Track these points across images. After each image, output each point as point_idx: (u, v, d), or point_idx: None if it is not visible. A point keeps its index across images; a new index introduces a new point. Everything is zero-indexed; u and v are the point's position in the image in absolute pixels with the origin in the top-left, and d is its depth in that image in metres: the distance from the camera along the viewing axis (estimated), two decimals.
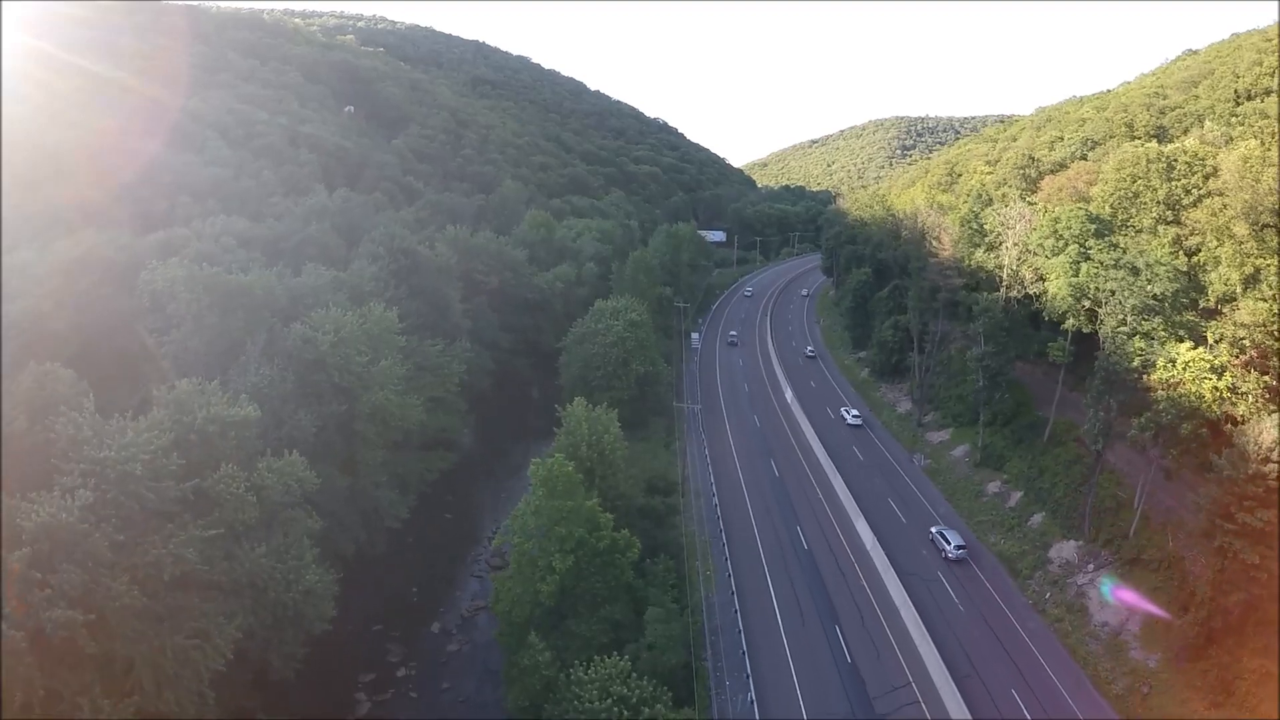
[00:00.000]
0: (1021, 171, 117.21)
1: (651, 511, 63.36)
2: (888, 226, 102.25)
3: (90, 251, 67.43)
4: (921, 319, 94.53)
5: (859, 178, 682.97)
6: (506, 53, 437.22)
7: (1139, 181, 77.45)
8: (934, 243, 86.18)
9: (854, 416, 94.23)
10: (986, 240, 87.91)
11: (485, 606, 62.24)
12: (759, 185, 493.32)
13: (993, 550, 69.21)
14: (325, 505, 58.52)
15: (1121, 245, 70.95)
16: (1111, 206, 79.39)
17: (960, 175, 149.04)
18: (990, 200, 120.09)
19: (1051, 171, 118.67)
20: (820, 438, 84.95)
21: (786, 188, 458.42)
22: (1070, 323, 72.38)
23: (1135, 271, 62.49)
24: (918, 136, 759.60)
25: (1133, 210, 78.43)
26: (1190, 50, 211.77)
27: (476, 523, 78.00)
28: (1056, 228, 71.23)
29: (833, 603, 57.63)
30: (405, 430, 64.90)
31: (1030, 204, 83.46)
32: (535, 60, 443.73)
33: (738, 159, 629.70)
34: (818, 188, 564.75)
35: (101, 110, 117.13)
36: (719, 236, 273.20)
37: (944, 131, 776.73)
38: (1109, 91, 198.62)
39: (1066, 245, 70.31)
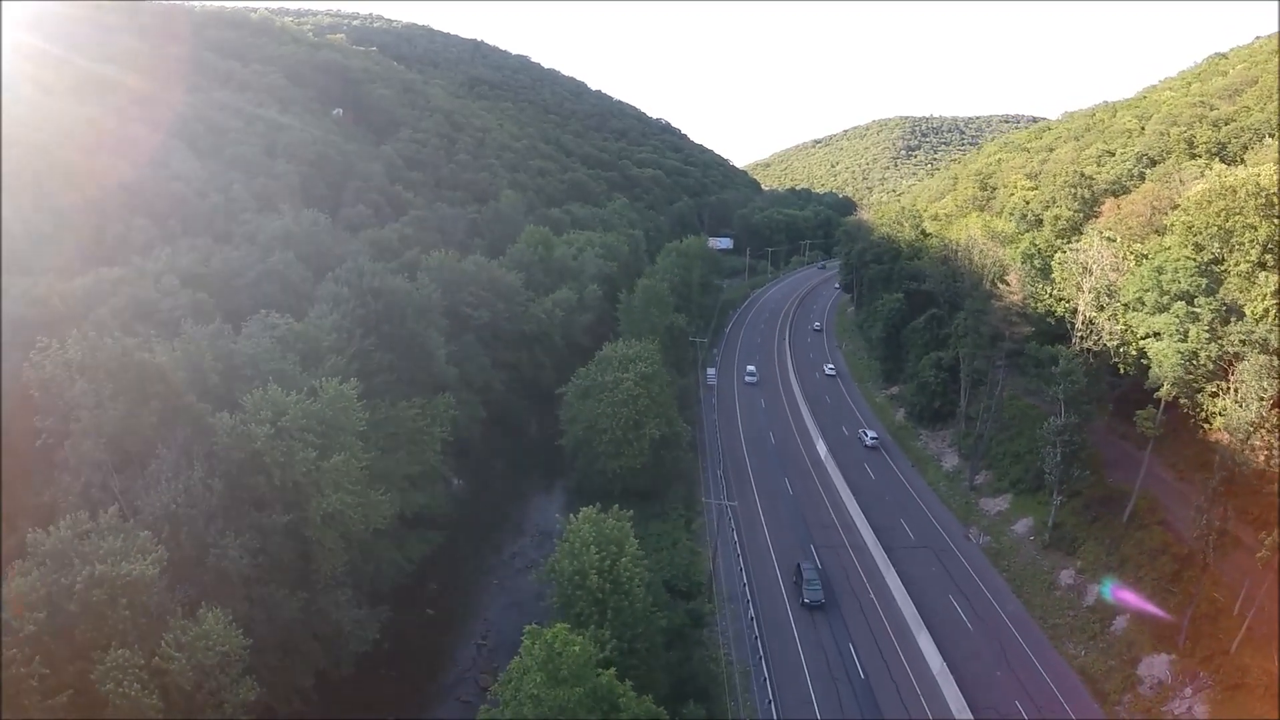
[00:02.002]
0: (1073, 190, 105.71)
1: (677, 634, 51.61)
2: (936, 254, 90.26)
3: None
4: (972, 363, 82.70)
5: (864, 179, 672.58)
6: (505, 52, 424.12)
7: (1235, 218, 65.85)
8: (999, 283, 74.20)
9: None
10: (1051, 278, 76.27)
11: None
12: (763, 187, 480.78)
13: (1074, 666, 57.77)
14: (273, 637, 46.82)
15: (1239, 306, 59.22)
16: (1196, 245, 67.85)
17: (996, 189, 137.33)
18: (1039, 221, 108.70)
19: (1109, 192, 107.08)
20: (865, 513, 73.08)
21: (793, 190, 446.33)
22: (1166, 390, 60.82)
23: (1266, 348, 50.74)
24: (922, 137, 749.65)
25: (1224, 250, 66.96)
26: (1219, 54, 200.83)
27: (464, 619, 66.00)
28: (1161, 280, 59.31)
29: None
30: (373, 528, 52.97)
31: (1108, 239, 71.64)
32: (535, 60, 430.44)
33: (740, 159, 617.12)
34: (822, 188, 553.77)
35: (48, 123, 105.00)
36: (726, 243, 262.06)
37: (948, 132, 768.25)
38: (1144, 98, 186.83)
39: (1173, 301, 58.47)
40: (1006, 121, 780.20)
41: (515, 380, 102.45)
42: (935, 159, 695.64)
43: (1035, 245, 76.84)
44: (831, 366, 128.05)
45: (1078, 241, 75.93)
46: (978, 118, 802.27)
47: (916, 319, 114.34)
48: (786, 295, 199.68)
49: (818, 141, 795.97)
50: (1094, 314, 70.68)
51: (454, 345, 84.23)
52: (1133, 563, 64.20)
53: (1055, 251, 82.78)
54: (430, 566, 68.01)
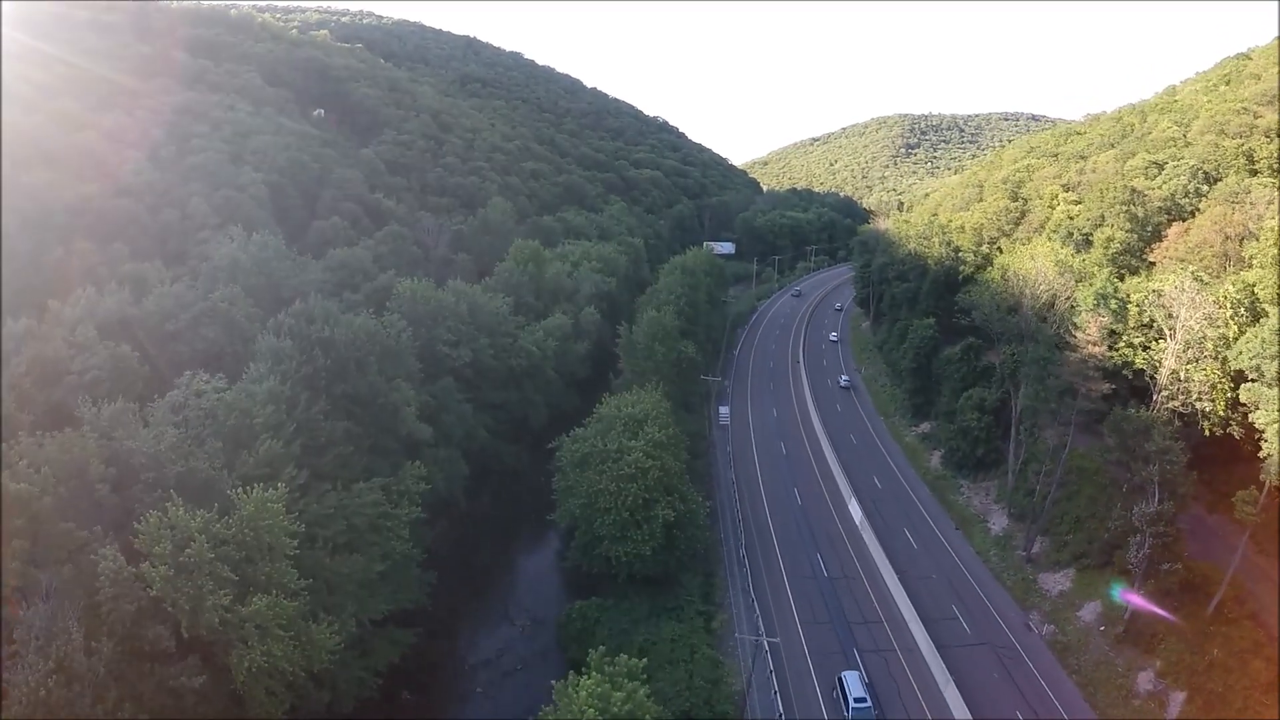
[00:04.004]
0: (1125, 208, 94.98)
1: None
2: (994, 286, 79.30)
3: None
4: (1033, 418, 71.73)
5: (863, 177, 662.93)
6: (499, 49, 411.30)
7: None
8: (1074, 331, 62.96)
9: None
10: (1127, 321, 65.22)
11: None
12: (763, 187, 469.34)
13: None
14: None
15: None
16: None
17: (1029, 200, 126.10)
18: (1086, 240, 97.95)
19: (1164, 210, 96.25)
20: (913, 601, 61.72)
21: (794, 190, 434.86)
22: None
23: None
24: (921, 135, 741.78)
25: None
26: (1243, 55, 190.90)
27: None
28: None
29: None
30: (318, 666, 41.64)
31: (1199, 280, 60.75)
32: (529, 57, 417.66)
33: (738, 158, 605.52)
34: (822, 187, 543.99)
35: None
36: (728, 248, 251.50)
37: (948, 129, 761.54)
38: (1173, 101, 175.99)
39: None
40: (1006, 119, 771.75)
41: (503, 420, 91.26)
42: (935, 157, 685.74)
43: (1111, 284, 65.74)
44: (846, 379, 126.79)
45: (1159, 279, 65.07)
46: (977, 115, 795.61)
47: (948, 346, 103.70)
48: (796, 308, 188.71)
49: (815, 139, 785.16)
50: (1182, 368, 59.80)
51: (428, 393, 72.84)
52: (1221, 666, 53.99)
53: (1114, 283, 71.88)
54: (402, 670, 56.72)
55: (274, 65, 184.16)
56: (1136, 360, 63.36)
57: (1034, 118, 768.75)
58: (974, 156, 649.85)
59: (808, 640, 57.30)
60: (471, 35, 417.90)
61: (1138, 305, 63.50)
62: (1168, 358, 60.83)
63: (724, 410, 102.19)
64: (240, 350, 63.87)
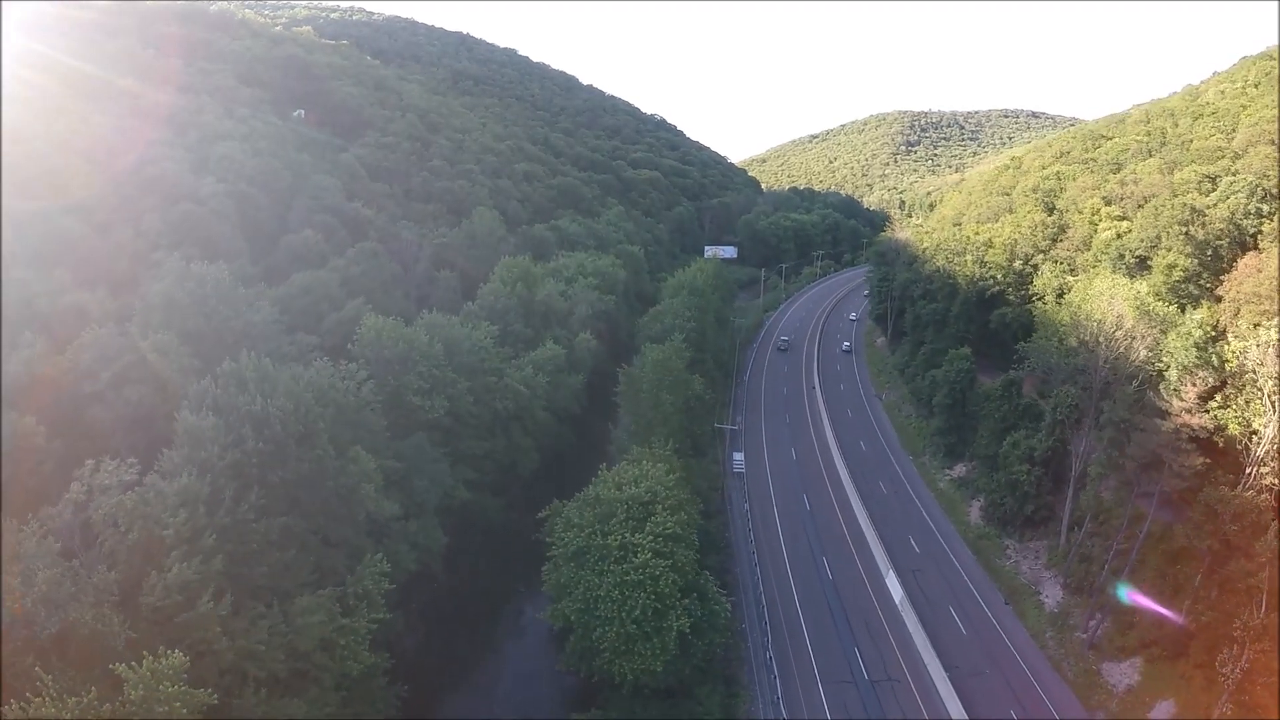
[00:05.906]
0: (1184, 229, 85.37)
1: None
2: (1062, 328, 69.56)
3: None
4: (1098, 485, 61.88)
5: (863, 175, 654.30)
6: (492, 45, 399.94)
7: None
8: (1167, 395, 53.04)
9: None
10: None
11: None
12: (763, 186, 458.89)
13: None
14: None
15: None
16: None
17: (1065, 213, 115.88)
18: (1141, 264, 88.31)
19: (1225, 233, 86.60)
20: (968, 709, 52.10)
21: (794, 189, 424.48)
22: None
23: None
24: (921, 131, 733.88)
25: None
26: (1266, 55, 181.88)
27: None
28: None
29: None
30: None
31: None
32: (523, 53, 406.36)
33: (736, 155, 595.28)
34: (821, 186, 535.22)
35: None
36: (730, 252, 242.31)
37: (948, 126, 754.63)
38: (1204, 105, 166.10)
39: None
40: (1006, 115, 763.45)
41: (487, 471, 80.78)
42: (936, 154, 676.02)
43: (1205, 332, 55.88)
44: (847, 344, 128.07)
45: (1251, 333, 55.07)
46: (977, 112, 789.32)
47: (983, 375, 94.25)
48: (806, 319, 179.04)
49: (814, 137, 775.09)
50: None
51: (394, 456, 62.35)
52: None
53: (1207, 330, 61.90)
54: None
55: (251, 64, 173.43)
56: (1231, 426, 53.51)
57: (1034, 114, 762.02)
58: (975, 154, 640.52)
59: None
60: (465, 32, 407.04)
61: (1236, 358, 53.66)
62: (1269, 428, 51.10)
63: (738, 457, 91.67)
64: (173, 412, 53.84)
